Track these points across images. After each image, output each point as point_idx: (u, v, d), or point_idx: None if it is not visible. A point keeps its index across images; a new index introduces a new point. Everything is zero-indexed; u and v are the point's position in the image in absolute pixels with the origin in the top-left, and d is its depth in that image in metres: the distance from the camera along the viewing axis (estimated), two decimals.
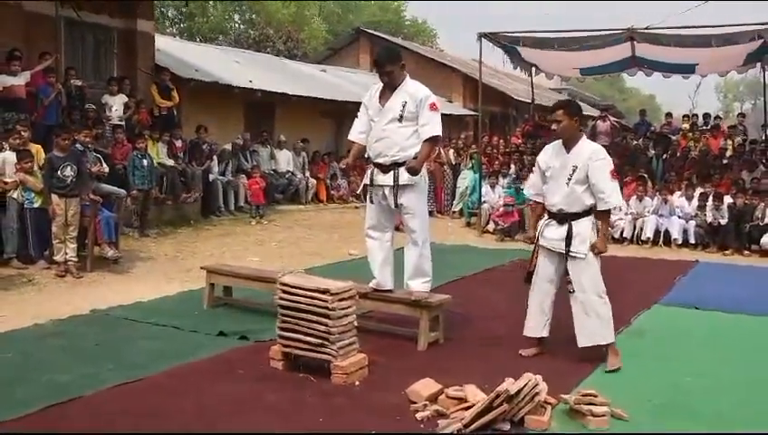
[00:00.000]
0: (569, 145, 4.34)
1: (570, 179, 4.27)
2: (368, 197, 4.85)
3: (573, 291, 4.32)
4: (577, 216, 4.30)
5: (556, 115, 4.35)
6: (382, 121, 4.66)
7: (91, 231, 7.05)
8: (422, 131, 4.59)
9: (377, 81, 4.83)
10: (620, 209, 9.39)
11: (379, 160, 4.70)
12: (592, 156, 4.26)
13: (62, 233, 6.69)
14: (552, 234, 4.36)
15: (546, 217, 4.46)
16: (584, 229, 4.29)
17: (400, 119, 4.59)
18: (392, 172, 4.63)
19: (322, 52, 24.88)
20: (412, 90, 4.64)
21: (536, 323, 4.51)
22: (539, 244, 4.46)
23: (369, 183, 4.81)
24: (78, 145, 7.74)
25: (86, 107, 9.57)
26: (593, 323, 4.29)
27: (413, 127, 4.61)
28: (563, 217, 4.32)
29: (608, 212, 4.38)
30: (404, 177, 4.61)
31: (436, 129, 4.60)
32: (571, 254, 4.28)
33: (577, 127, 4.36)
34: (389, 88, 4.67)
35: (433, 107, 4.61)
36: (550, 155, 4.43)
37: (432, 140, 4.64)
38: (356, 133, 4.89)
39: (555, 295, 4.48)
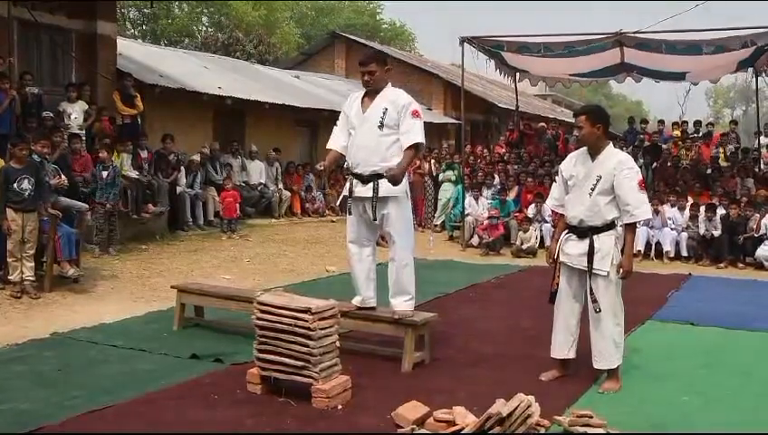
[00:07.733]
0: (594, 153, 4.36)
1: (593, 190, 4.28)
2: (347, 209, 4.88)
3: (599, 311, 4.30)
4: (599, 229, 4.30)
5: (578, 121, 4.39)
6: (362, 129, 4.72)
7: (50, 248, 6.98)
8: (404, 139, 4.66)
9: (354, 87, 4.92)
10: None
11: (359, 171, 4.74)
12: (618, 165, 4.26)
13: (17, 251, 6.62)
14: (573, 249, 4.37)
15: (566, 230, 4.46)
16: (606, 245, 4.28)
17: (381, 126, 4.65)
18: (372, 184, 4.67)
19: (296, 56, 24.98)
20: (393, 97, 4.73)
21: (561, 344, 4.51)
22: (560, 260, 4.45)
23: (348, 195, 4.84)
24: (35, 156, 7.66)
25: (43, 115, 9.48)
26: (609, 347, 4.34)
27: (394, 135, 4.67)
28: (584, 231, 4.33)
29: (633, 226, 4.39)
30: (383, 188, 4.64)
31: (418, 136, 4.67)
32: (593, 271, 4.29)
33: (600, 134, 4.33)
34: (370, 94, 4.76)
35: (415, 114, 4.68)
36: (573, 163, 4.46)
37: (414, 148, 4.70)
38: (334, 142, 4.95)
39: (581, 314, 4.49)
